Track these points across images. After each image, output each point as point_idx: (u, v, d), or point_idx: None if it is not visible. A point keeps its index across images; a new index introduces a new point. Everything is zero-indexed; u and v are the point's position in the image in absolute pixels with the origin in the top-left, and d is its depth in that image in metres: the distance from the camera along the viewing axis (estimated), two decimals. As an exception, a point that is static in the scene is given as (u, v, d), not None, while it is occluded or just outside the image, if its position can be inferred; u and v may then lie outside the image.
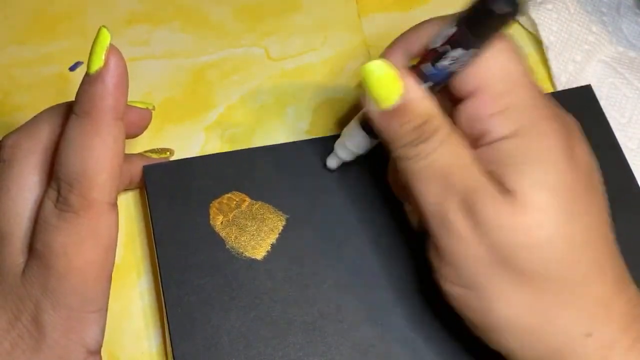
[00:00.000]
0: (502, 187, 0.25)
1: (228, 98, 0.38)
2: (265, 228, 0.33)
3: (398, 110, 0.26)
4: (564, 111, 0.28)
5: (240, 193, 0.34)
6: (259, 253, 0.32)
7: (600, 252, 0.26)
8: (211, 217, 0.33)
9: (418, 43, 0.28)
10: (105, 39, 0.26)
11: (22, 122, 0.36)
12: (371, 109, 0.27)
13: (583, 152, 0.27)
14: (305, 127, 0.38)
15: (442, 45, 0.25)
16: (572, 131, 0.27)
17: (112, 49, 0.26)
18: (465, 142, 0.27)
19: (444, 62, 0.26)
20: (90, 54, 0.26)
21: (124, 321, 0.33)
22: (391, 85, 0.26)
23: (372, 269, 0.32)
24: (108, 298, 0.28)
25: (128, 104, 0.28)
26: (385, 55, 0.29)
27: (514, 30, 0.42)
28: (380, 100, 0.27)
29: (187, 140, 0.37)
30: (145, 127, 0.32)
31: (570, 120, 0.28)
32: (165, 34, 0.40)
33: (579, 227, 0.25)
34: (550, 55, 0.40)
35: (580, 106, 0.38)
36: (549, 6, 0.41)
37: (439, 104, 0.27)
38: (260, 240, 0.33)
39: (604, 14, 0.42)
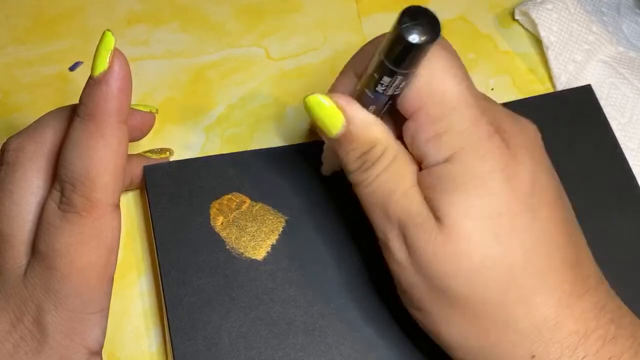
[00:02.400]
0: (435, 214, 0.25)
1: (228, 98, 0.38)
2: (266, 229, 0.33)
3: (343, 138, 0.27)
4: (518, 120, 0.27)
5: (240, 194, 0.34)
6: (259, 254, 0.32)
7: (544, 270, 0.25)
8: (211, 217, 0.33)
9: (365, 64, 0.27)
10: (110, 42, 0.26)
11: (22, 122, 0.36)
12: (322, 136, 0.28)
13: (527, 167, 0.25)
14: (305, 127, 0.38)
15: (372, 72, 0.25)
16: (515, 146, 0.26)
17: (116, 52, 0.26)
18: (411, 166, 0.27)
19: (380, 88, 0.25)
20: (95, 57, 0.26)
21: (124, 321, 0.33)
22: (332, 117, 0.26)
23: (372, 269, 0.32)
24: (110, 299, 0.28)
25: (131, 107, 0.28)
26: (338, 78, 0.30)
27: (514, 30, 0.42)
28: (325, 130, 0.27)
29: (187, 140, 0.37)
30: (148, 131, 0.32)
31: (523, 130, 0.27)
32: (165, 34, 0.40)
33: (514, 249, 0.25)
34: (551, 55, 0.40)
35: (581, 106, 0.38)
36: (549, 6, 0.41)
37: (395, 122, 0.27)
38: (261, 241, 0.33)
39: (604, 14, 0.42)
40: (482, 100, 0.26)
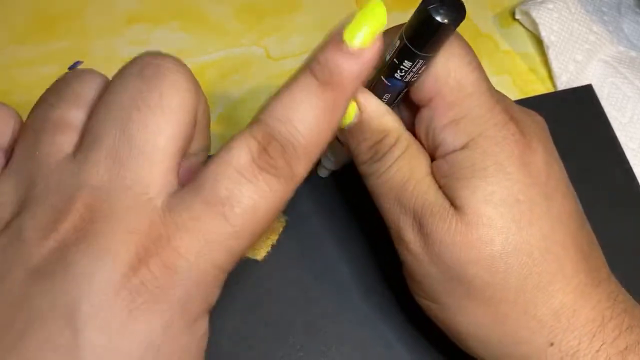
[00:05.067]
0: (453, 202, 0.25)
1: (228, 98, 0.38)
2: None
3: (355, 129, 0.26)
4: (526, 111, 0.27)
5: (240, 193, 0.34)
6: (260, 254, 0.32)
7: (561, 257, 0.25)
8: (211, 217, 0.33)
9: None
10: (383, 18, 0.21)
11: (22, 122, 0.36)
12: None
13: (540, 156, 0.26)
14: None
15: (391, 57, 0.25)
16: (529, 135, 0.26)
17: (382, 35, 0.21)
18: (424, 156, 0.26)
19: (396, 74, 0.25)
20: (360, 24, 0.21)
21: (124, 321, 0.33)
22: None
23: (371, 269, 0.32)
24: None
25: None
26: None
27: (515, 30, 0.42)
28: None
29: (187, 140, 0.37)
30: None
31: (532, 122, 0.27)
32: (165, 33, 0.40)
33: (534, 236, 0.25)
34: (551, 55, 0.40)
35: (581, 106, 0.38)
36: (550, 6, 0.41)
37: (405, 113, 0.27)
38: (261, 241, 0.33)
39: (604, 14, 0.42)
40: (495, 90, 0.26)
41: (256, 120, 0.23)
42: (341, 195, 0.34)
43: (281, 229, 0.33)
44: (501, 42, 0.41)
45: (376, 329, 0.31)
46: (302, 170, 0.22)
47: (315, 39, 0.42)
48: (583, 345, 0.25)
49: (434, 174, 0.26)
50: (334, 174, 0.34)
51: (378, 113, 0.26)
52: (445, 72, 0.25)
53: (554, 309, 0.25)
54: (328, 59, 0.21)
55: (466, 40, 0.27)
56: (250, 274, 0.32)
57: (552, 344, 0.25)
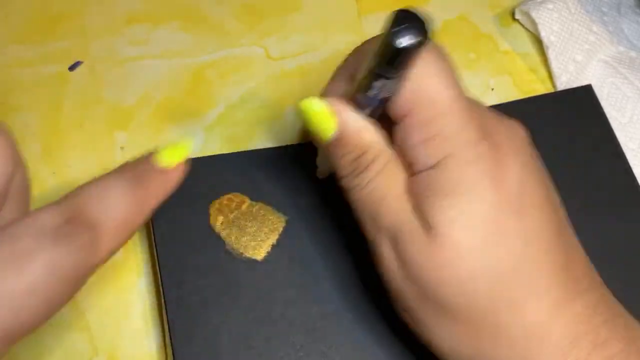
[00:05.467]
0: (425, 221, 0.25)
1: (228, 98, 0.38)
2: (266, 229, 0.33)
3: (336, 143, 0.27)
4: (505, 122, 0.27)
5: (240, 194, 0.34)
6: (259, 254, 0.32)
7: (533, 275, 0.25)
8: (211, 217, 0.33)
9: (356, 68, 0.27)
10: (185, 153, 0.26)
11: (22, 122, 0.37)
12: (316, 140, 0.28)
13: (515, 170, 0.25)
14: (303, 125, 0.38)
15: (366, 76, 0.25)
16: (503, 150, 0.25)
17: (187, 162, 0.26)
18: (402, 172, 0.26)
19: (372, 91, 0.25)
20: (168, 152, 0.26)
21: (124, 321, 0.33)
22: (325, 121, 0.26)
23: (372, 269, 0.32)
24: None
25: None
26: (330, 82, 0.29)
27: (514, 30, 0.42)
28: (318, 134, 0.27)
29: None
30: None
31: (512, 132, 0.27)
32: (164, 33, 0.40)
33: (503, 257, 0.25)
34: (551, 55, 0.40)
35: (581, 106, 0.38)
36: (550, 6, 0.41)
37: (387, 127, 0.27)
38: (261, 241, 0.33)
39: (604, 14, 0.42)
40: (471, 105, 0.26)
41: (71, 194, 0.24)
42: (341, 195, 0.34)
43: (281, 229, 0.33)
44: (501, 42, 0.42)
45: (376, 329, 0.31)
46: (104, 248, 0.23)
47: (315, 39, 0.43)
48: None
49: (409, 191, 0.26)
50: (333, 173, 0.34)
51: (358, 128, 0.26)
52: (417, 90, 0.25)
53: (526, 328, 0.25)
54: (142, 168, 0.25)
55: (445, 52, 0.26)
56: (250, 274, 0.32)
57: None
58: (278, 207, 0.33)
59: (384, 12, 0.41)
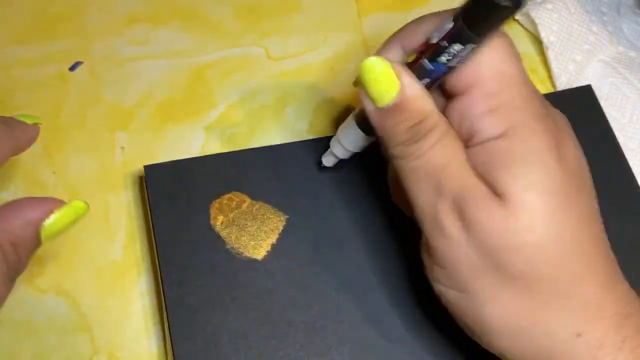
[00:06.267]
0: (493, 189, 0.25)
1: (228, 98, 0.38)
2: (266, 228, 0.33)
3: (394, 109, 0.26)
4: (554, 109, 0.28)
5: (240, 193, 0.34)
6: (259, 253, 0.32)
7: (591, 251, 0.26)
8: (211, 217, 0.33)
9: (415, 39, 0.27)
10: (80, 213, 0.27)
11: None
12: (367, 106, 0.27)
13: (572, 151, 0.27)
14: (304, 127, 0.38)
15: (440, 40, 0.25)
16: (562, 130, 0.27)
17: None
18: (459, 142, 0.27)
19: (442, 58, 0.25)
20: (61, 215, 0.26)
21: (124, 321, 0.33)
22: (388, 83, 0.26)
23: (372, 268, 0.32)
24: None
25: (15, 118, 0.29)
26: (382, 50, 0.29)
27: (514, 30, 0.42)
28: (377, 98, 0.26)
29: (187, 140, 0.37)
30: (32, 142, 0.30)
31: (561, 118, 0.28)
32: (164, 33, 0.40)
33: (570, 228, 0.25)
34: (551, 55, 0.40)
35: (581, 106, 0.38)
36: (549, 6, 0.41)
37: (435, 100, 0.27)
38: (261, 240, 0.33)
39: (604, 14, 0.42)
40: (532, 84, 0.27)
41: None
42: (341, 195, 0.34)
43: (281, 228, 0.33)
44: (501, 43, 0.42)
45: (376, 329, 0.31)
46: None
47: (315, 39, 0.43)
48: (609, 337, 0.25)
49: (469, 161, 0.26)
50: (334, 173, 0.34)
51: (419, 95, 0.26)
52: (487, 62, 0.26)
53: (583, 300, 0.25)
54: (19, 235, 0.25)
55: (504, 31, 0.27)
56: (250, 273, 0.32)
57: (579, 335, 0.25)
58: (278, 207, 0.33)
59: (383, 13, 0.42)
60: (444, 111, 0.27)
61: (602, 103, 0.38)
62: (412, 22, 0.29)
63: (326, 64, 0.40)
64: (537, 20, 0.40)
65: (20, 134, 0.29)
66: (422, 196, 0.27)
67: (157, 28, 0.40)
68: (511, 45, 0.27)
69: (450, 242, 0.26)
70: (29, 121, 0.30)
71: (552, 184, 0.25)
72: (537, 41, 0.41)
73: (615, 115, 0.39)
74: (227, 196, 0.33)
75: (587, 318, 0.25)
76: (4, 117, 0.29)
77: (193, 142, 0.37)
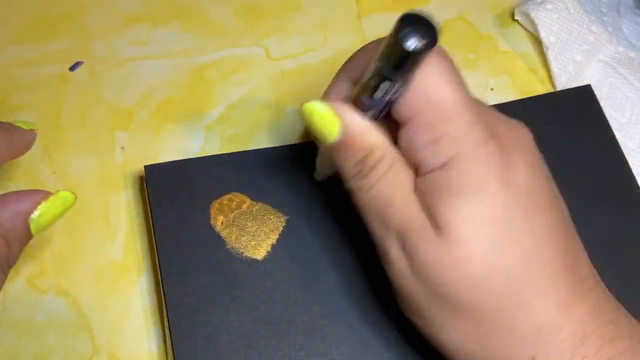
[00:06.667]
0: (434, 221, 0.25)
1: (228, 98, 0.38)
2: (266, 228, 0.33)
3: (340, 146, 0.27)
4: (509, 121, 0.27)
5: (240, 194, 0.34)
6: (260, 253, 0.32)
7: (543, 274, 0.25)
8: (212, 217, 0.33)
9: (359, 70, 0.27)
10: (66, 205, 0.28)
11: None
12: (320, 143, 0.28)
13: (522, 171, 0.26)
14: (304, 127, 0.38)
15: (370, 79, 0.25)
16: (511, 150, 0.26)
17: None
18: (408, 173, 0.26)
19: (377, 94, 0.25)
20: (42, 219, 0.27)
21: (124, 321, 0.33)
22: (329, 124, 0.26)
23: (372, 268, 0.32)
24: None
25: (12, 124, 0.30)
26: (331, 84, 0.29)
27: (514, 30, 0.42)
28: (322, 137, 0.27)
29: (187, 140, 0.37)
30: (29, 148, 0.31)
31: (517, 133, 0.27)
32: (165, 33, 0.40)
33: (514, 255, 0.25)
34: (550, 56, 0.40)
35: (580, 106, 0.38)
36: (549, 6, 0.41)
37: (390, 129, 0.27)
38: (261, 240, 0.33)
39: (603, 14, 0.42)
40: (476, 105, 0.26)
41: None
42: (341, 195, 0.34)
43: (281, 229, 0.33)
44: (501, 43, 0.42)
45: (376, 329, 0.31)
46: None
47: (315, 39, 0.43)
48: (565, 359, 0.25)
49: (416, 191, 0.26)
50: (329, 177, 0.34)
51: (363, 129, 0.26)
52: (424, 92, 0.25)
53: (536, 325, 0.25)
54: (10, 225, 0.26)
55: (448, 54, 0.27)
56: (250, 273, 0.32)
57: (534, 359, 0.25)
58: (278, 207, 0.33)
59: (383, 13, 0.42)
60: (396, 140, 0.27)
61: (602, 103, 0.38)
62: (358, 52, 0.29)
63: (326, 64, 0.40)
64: (537, 21, 0.40)
65: (18, 138, 0.30)
66: (374, 229, 0.27)
67: (157, 28, 0.40)
68: (449, 70, 0.26)
69: (399, 274, 0.26)
70: (25, 127, 0.31)
71: (493, 213, 0.25)
72: (537, 41, 0.41)
73: (615, 115, 0.39)
74: (227, 196, 0.33)
75: (541, 342, 0.25)
76: (1, 122, 0.29)
77: (193, 142, 0.37)
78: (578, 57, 0.40)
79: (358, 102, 0.26)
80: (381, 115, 0.27)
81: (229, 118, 0.38)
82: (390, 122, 0.27)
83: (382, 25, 0.42)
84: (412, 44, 0.23)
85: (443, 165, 0.25)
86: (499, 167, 0.25)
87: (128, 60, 0.39)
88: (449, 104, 0.25)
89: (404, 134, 0.26)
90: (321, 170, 0.33)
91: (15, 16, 0.40)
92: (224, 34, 0.40)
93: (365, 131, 0.26)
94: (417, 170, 0.26)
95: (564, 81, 0.40)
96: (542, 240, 0.25)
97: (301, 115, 0.27)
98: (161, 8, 0.41)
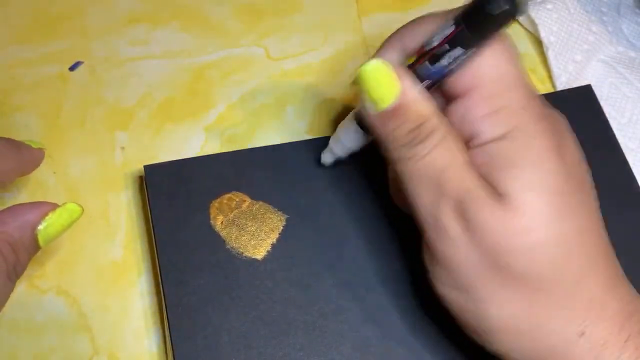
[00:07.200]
0: (494, 190, 0.25)
1: (228, 98, 0.38)
2: (266, 228, 0.33)
3: (394, 112, 0.26)
4: (553, 109, 0.28)
5: (240, 193, 0.34)
6: (259, 253, 0.32)
7: (593, 251, 0.26)
8: (211, 217, 0.33)
9: (415, 40, 0.27)
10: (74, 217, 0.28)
11: (23, 122, 0.37)
12: (367, 109, 0.27)
13: (572, 151, 0.27)
14: (304, 127, 0.38)
15: (441, 43, 0.25)
16: (562, 130, 0.27)
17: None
18: (461, 144, 0.27)
19: (443, 62, 0.25)
20: (49, 231, 0.27)
21: (124, 321, 0.33)
22: (389, 87, 0.26)
23: (372, 268, 0.32)
24: None
25: (22, 142, 0.31)
26: (381, 52, 0.29)
27: (514, 30, 0.42)
28: (376, 101, 0.26)
29: (187, 140, 0.37)
30: (37, 166, 0.32)
31: (560, 118, 0.28)
32: (165, 33, 0.40)
33: (571, 228, 0.25)
34: (550, 55, 0.40)
35: (581, 106, 0.38)
36: (549, 6, 0.41)
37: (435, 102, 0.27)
38: (261, 240, 0.33)
39: (604, 14, 0.42)
40: (532, 85, 0.27)
41: None
42: (341, 194, 0.34)
43: (281, 228, 0.33)
44: (501, 43, 0.42)
45: (376, 329, 0.31)
46: None
47: (315, 39, 0.43)
48: (612, 335, 0.25)
49: (471, 162, 0.26)
50: (334, 173, 0.34)
51: (420, 98, 0.26)
52: (487, 64, 0.26)
53: (586, 300, 0.25)
54: (19, 239, 0.27)
55: (511, 39, 0.27)
56: (250, 273, 0.32)
57: (582, 334, 0.25)
58: (278, 207, 0.33)
59: (383, 13, 0.42)
60: (444, 112, 0.27)
61: (602, 103, 0.38)
62: (412, 22, 0.28)
63: (326, 64, 0.40)
64: (537, 21, 0.40)
65: (27, 156, 0.31)
66: (423, 198, 0.27)
67: (157, 28, 0.40)
68: (511, 47, 0.27)
69: (452, 242, 0.26)
70: (34, 145, 0.32)
71: (553, 184, 0.25)
72: (537, 41, 0.41)
73: (615, 115, 0.39)
74: (227, 196, 0.33)
75: (590, 317, 0.25)
76: (13, 140, 0.31)
77: (193, 142, 0.37)
78: (578, 57, 0.40)
79: (414, 71, 0.27)
80: (434, 86, 0.27)
81: (229, 118, 0.38)
82: (435, 96, 0.27)
83: (382, 25, 0.42)
84: (497, 7, 0.23)
85: (503, 136, 0.25)
86: (555, 142, 0.26)
87: (128, 60, 0.39)
88: (510, 78, 0.26)
89: (459, 105, 0.27)
90: (340, 146, 0.32)
91: (15, 16, 0.40)
92: (223, 34, 0.40)
93: (422, 99, 0.26)
94: (469, 143, 0.26)
95: (564, 81, 0.40)
96: (591, 217, 0.26)
97: (357, 77, 0.26)
98: (161, 8, 0.41)
